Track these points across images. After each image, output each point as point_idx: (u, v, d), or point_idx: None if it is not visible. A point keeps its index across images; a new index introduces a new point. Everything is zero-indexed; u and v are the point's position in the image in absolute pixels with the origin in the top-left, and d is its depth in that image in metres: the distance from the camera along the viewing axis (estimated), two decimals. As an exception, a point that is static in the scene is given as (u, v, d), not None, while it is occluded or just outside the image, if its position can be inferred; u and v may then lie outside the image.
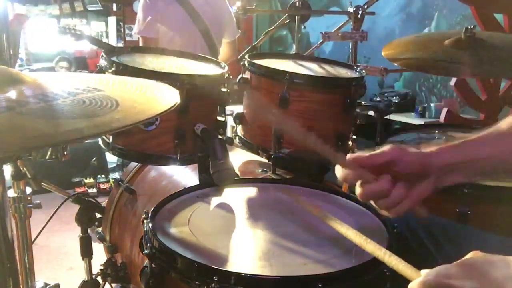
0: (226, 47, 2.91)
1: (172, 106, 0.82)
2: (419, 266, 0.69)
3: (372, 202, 0.90)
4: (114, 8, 5.39)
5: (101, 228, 1.76)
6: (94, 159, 4.23)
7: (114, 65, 1.33)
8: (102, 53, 1.40)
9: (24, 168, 1.54)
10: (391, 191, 0.86)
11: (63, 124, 0.74)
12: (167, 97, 0.87)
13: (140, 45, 2.69)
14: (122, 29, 5.36)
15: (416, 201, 0.87)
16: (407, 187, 0.86)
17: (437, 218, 1.06)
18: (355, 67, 1.64)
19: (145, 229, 0.98)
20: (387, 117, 3.45)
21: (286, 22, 2.29)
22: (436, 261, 0.69)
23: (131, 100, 0.86)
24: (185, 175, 1.56)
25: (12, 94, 0.80)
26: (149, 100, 0.88)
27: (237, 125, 1.55)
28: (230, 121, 1.64)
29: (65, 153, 1.67)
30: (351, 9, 2.14)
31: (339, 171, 0.89)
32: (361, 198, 0.90)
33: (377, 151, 0.88)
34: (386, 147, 0.88)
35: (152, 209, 1.06)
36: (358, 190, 0.89)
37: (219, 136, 1.39)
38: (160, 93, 0.90)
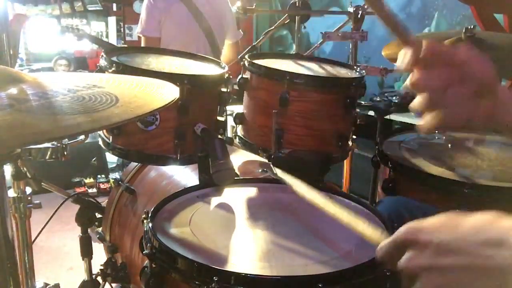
0: (229, 48, 2.91)
1: (172, 101, 0.82)
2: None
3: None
4: (114, 8, 5.38)
5: (101, 228, 1.76)
6: (94, 159, 4.22)
7: (114, 65, 1.33)
8: (102, 53, 1.40)
9: (24, 168, 1.54)
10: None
11: (62, 119, 0.74)
12: (167, 93, 0.87)
13: (142, 44, 2.69)
14: (122, 29, 5.35)
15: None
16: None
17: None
18: (355, 67, 1.64)
19: (145, 229, 0.98)
20: (387, 117, 3.44)
21: (286, 22, 2.29)
22: None
23: (131, 96, 0.86)
24: (185, 175, 1.55)
25: (12, 91, 0.80)
26: (149, 95, 0.88)
27: (237, 125, 1.55)
28: (230, 121, 1.63)
29: (65, 153, 1.67)
30: (351, 9, 2.14)
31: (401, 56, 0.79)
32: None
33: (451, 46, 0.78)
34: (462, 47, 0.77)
35: (152, 209, 1.06)
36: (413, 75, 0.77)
37: (219, 136, 1.39)
38: (160, 89, 0.90)
